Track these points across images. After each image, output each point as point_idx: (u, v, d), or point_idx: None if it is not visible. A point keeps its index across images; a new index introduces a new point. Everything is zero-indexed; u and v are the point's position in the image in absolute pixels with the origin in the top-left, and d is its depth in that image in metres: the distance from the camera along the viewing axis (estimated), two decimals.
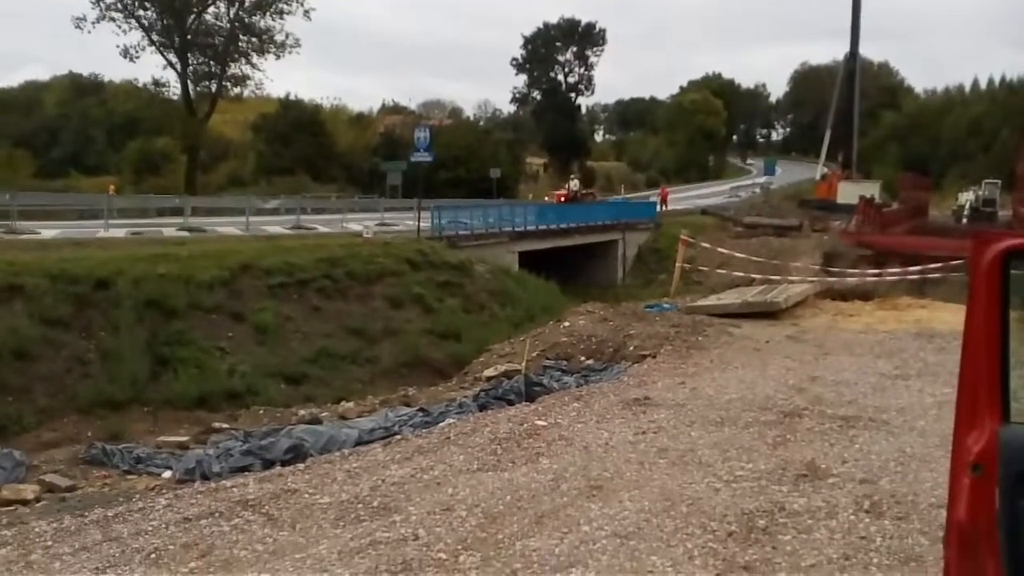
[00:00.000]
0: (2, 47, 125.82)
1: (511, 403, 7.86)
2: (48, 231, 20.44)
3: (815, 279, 15.38)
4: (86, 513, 5.07)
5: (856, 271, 16.75)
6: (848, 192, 37.58)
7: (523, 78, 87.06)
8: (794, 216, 36.71)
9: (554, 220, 31.23)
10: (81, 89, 63.93)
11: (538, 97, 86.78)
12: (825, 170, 48.06)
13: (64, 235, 19.66)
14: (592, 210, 36.45)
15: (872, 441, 6.05)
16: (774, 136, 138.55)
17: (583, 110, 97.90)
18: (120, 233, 21.13)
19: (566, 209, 35.47)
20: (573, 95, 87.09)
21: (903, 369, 8.64)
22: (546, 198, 45.15)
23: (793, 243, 27.41)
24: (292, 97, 61.41)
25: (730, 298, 13.77)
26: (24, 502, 5.89)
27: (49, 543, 4.56)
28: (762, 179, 60.32)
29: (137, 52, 48.40)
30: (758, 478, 5.23)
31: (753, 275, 17.23)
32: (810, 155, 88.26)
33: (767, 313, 12.39)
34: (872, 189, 37.68)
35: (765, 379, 8.16)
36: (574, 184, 44.60)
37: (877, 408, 6.98)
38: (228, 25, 49.72)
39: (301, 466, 6.03)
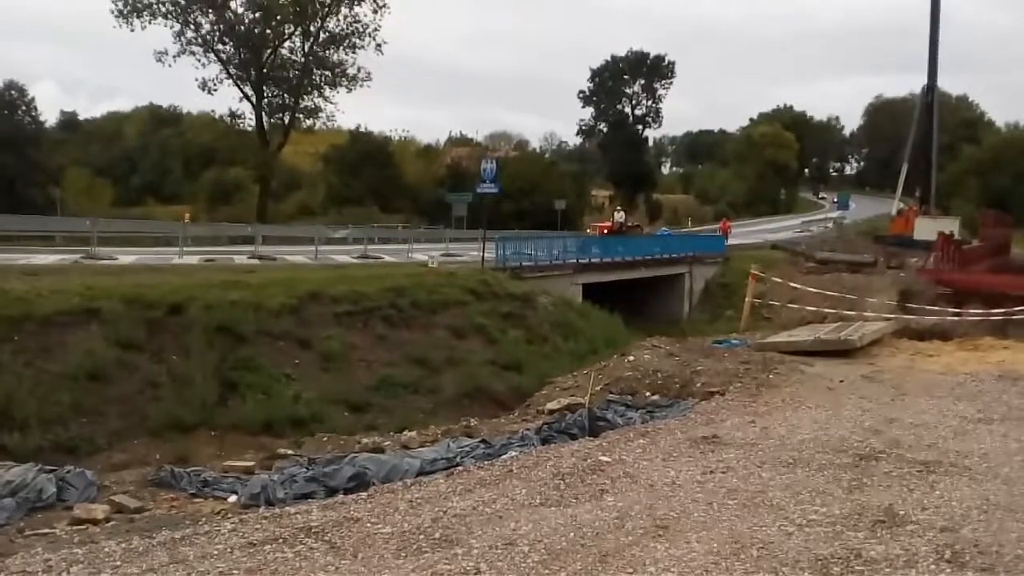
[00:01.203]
0: (93, 79, 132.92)
1: (574, 437, 7.74)
2: (125, 257, 21.18)
3: (892, 317, 14.88)
4: (154, 535, 5.11)
5: (935, 310, 16.16)
6: (925, 228, 36.41)
7: (590, 110, 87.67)
8: (869, 252, 35.79)
9: (617, 253, 30.69)
10: (160, 120, 66.69)
11: (604, 129, 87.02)
12: (901, 205, 46.77)
13: (140, 261, 20.34)
14: (639, 244, 34.94)
15: (953, 487, 5.75)
16: (848, 170, 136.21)
17: (650, 142, 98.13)
18: (194, 260, 21.78)
19: (610, 241, 34.26)
20: (640, 127, 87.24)
21: (986, 413, 8.24)
22: (588, 230, 43.36)
23: (867, 280, 26.64)
24: (362, 129, 63.04)
25: (802, 335, 13.40)
26: (95, 522, 6.01)
27: (118, 563, 4.60)
28: (835, 213, 59.04)
29: (215, 85, 50.09)
30: (832, 523, 5.00)
31: (826, 311, 16.79)
32: (885, 190, 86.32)
33: (841, 351, 12.01)
34: (951, 225, 36.47)
35: (839, 420, 7.87)
36: (619, 216, 42.44)
37: (958, 453, 6.66)
38: (303, 59, 51.14)
39: (364, 495, 6.00)
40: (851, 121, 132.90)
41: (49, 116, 63.63)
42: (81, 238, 23.00)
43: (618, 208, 45.93)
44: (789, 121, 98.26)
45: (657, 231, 49.71)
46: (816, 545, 4.64)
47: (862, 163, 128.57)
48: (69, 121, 70.50)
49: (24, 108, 53.99)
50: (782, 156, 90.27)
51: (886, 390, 9.45)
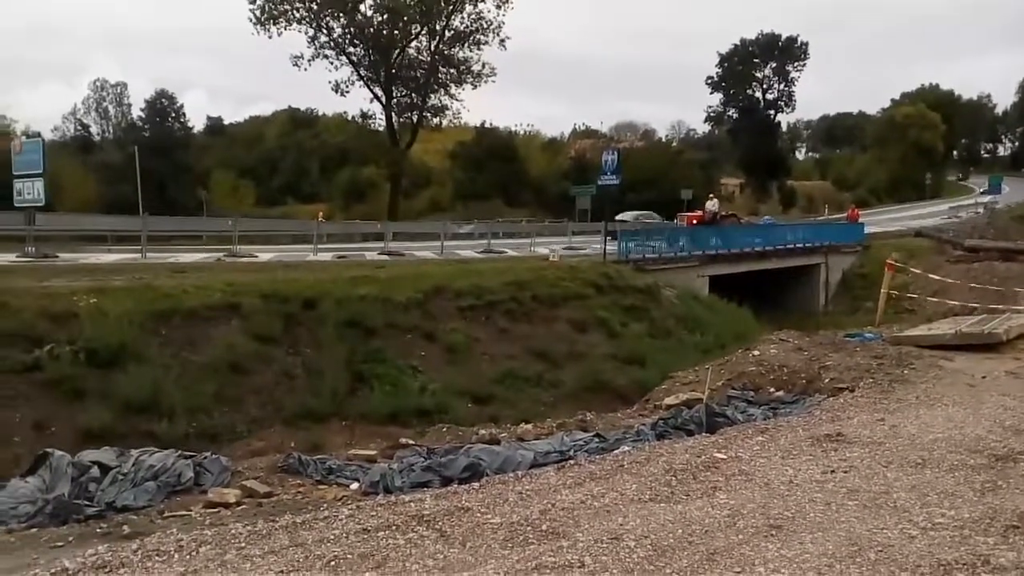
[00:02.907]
0: (237, 86, 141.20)
1: (690, 433, 7.60)
2: (264, 254, 22.33)
3: None
4: (277, 519, 5.38)
5: None
6: None
7: (718, 96, 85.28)
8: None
9: (709, 247, 28.40)
10: (298, 122, 69.85)
11: (734, 115, 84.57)
12: None
13: (277, 258, 21.36)
14: (735, 235, 31.71)
15: None
16: (1000, 151, 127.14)
17: (783, 127, 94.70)
18: (327, 256, 22.72)
19: (702, 233, 31.25)
20: (772, 112, 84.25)
21: None
22: (676, 221, 39.73)
23: (1022, 268, 24.91)
24: (488, 125, 63.88)
25: (943, 328, 12.61)
26: (227, 505, 6.38)
27: (243, 545, 4.87)
28: (986, 198, 55.13)
29: (347, 87, 52.20)
30: (960, 527, 4.70)
31: (973, 304, 15.80)
32: None
33: (986, 345, 11.23)
34: None
35: (977, 418, 7.37)
36: (712, 205, 38.92)
37: None
38: (429, 58, 52.37)
39: (476, 485, 6.11)
40: (1004, 98, 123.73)
41: (197, 122, 67.85)
42: (225, 237, 24.43)
43: (711, 196, 41.95)
44: (934, 101, 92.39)
45: (761, 220, 47.01)
46: (940, 550, 4.37)
47: (1016, 143, 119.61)
48: (215, 126, 74.79)
49: (174, 115, 57.82)
50: (927, 138, 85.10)
51: None
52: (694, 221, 37.34)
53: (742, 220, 41.41)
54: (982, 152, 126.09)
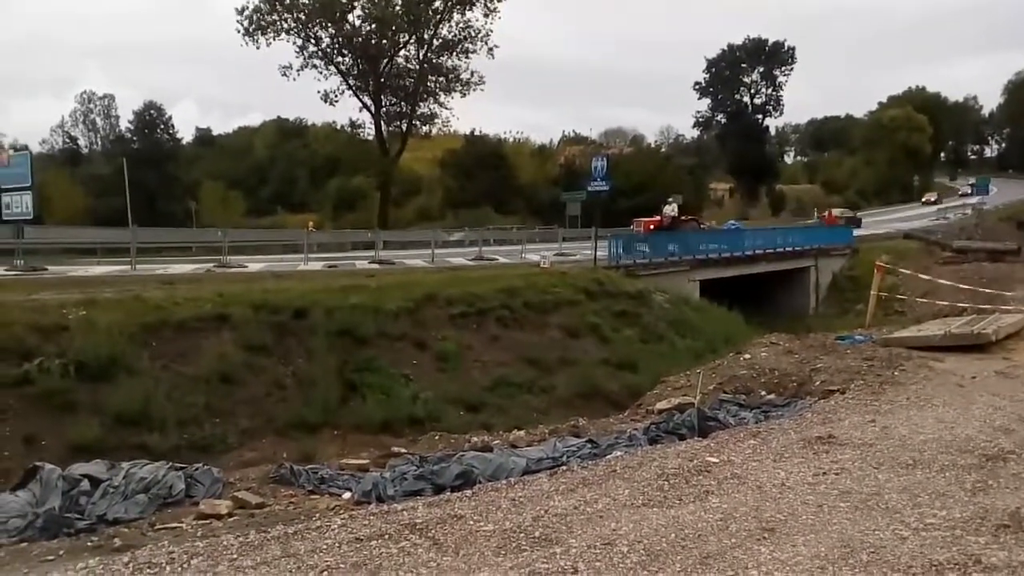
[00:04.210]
0: (227, 97, 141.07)
1: (682, 437, 7.60)
2: (254, 264, 22.26)
3: None
4: (269, 529, 5.35)
5: None
6: None
7: (706, 102, 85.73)
8: (1012, 239, 33.59)
9: (661, 254, 26.81)
10: (287, 133, 69.90)
11: (722, 120, 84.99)
12: None
13: (268, 268, 21.30)
14: (693, 240, 30.00)
15: None
16: (987, 152, 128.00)
17: (771, 131, 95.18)
18: (318, 266, 22.68)
19: (660, 239, 29.40)
20: (760, 116, 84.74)
21: None
22: (632, 227, 37.72)
23: (1010, 269, 25.05)
24: (477, 132, 64.01)
25: (932, 329, 12.66)
26: (218, 517, 6.34)
27: (235, 556, 4.84)
28: (974, 199, 55.50)
29: (336, 96, 52.13)
30: (952, 527, 4.72)
31: (963, 304, 15.87)
32: None
33: (975, 346, 11.27)
34: None
35: (967, 418, 7.41)
36: (670, 209, 36.54)
37: None
38: (417, 66, 52.43)
39: (469, 492, 6.09)
40: (990, 100, 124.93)
41: (186, 133, 68.12)
42: (214, 247, 24.37)
43: (669, 200, 39.22)
44: (921, 103, 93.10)
45: (725, 225, 46.39)
46: (932, 550, 4.40)
47: (1003, 144, 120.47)
48: (204, 137, 74.81)
49: (163, 127, 57.82)
50: (914, 140, 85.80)
51: (1021, 386, 8.83)
52: (651, 227, 35.89)
53: (703, 225, 39.92)
54: (969, 154, 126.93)
